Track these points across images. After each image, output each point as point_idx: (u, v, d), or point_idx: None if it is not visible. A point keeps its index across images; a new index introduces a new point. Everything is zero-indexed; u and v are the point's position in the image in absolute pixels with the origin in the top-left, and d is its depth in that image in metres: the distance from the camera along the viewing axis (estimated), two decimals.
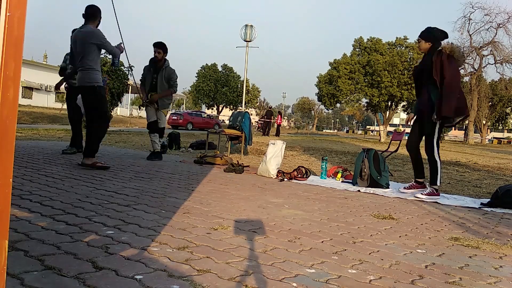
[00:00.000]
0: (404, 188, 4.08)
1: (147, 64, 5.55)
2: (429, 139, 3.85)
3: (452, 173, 6.44)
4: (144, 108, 5.81)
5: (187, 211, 2.52)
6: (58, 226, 1.94)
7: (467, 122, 38.52)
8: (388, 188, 4.18)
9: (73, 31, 4.64)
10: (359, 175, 4.33)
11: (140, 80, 5.64)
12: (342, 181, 4.70)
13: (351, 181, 4.57)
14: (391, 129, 35.10)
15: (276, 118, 24.06)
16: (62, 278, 1.34)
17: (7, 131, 0.85)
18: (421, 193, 3.80)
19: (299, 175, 4.68)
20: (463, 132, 45.37)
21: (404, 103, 28.22)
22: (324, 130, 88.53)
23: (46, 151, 5.51)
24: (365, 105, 29.70)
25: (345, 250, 1.93)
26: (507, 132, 66.69)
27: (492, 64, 35.90)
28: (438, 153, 3.83)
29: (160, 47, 5.35)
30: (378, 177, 4.19)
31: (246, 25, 15.15)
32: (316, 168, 5.93)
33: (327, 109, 35.87)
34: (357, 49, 28.05)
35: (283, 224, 2.36)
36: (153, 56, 5.42)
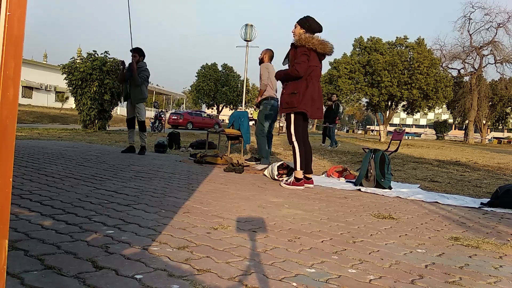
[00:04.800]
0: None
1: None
2: (287, 128, 4.08)
3: (452, 173, 6.44)
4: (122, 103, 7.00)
5: (187, 211, 2.52)
6: (58, 226, 1.94)
7: (467, 121, 38.55)
8: (391, 189, 4.18)
9: None
10: (365, 176, 4.31)
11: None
12: (343, 181, 4.70)
13: (352, 180, 4.57)
14: (391, 128, 35.09)
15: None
16: (62, 277, 1.34)
17: (7, 131, 0.86)
18: (284, 182, 4.00)
19: (284, 175, 4.42)
20: (463, 131, 45.35)
21: (404, 102, 28.21)
22: None
23: (46, 151, 5.51)
24: (365, 104, 29.68)
25: (345, 249, 1.93)
26: (507, 132, 66.67)
27: (492, 64, 35.98)
28: (297, 141, 3.98)
29: (136, 52, 6.23)
30: (382, 180, 4.19)
31: (246, 25, 15.11)
32: (316, 168, 5.93)
33: None
34: (357, 49, 28.01)
35: (283, 224, 2.36)
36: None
